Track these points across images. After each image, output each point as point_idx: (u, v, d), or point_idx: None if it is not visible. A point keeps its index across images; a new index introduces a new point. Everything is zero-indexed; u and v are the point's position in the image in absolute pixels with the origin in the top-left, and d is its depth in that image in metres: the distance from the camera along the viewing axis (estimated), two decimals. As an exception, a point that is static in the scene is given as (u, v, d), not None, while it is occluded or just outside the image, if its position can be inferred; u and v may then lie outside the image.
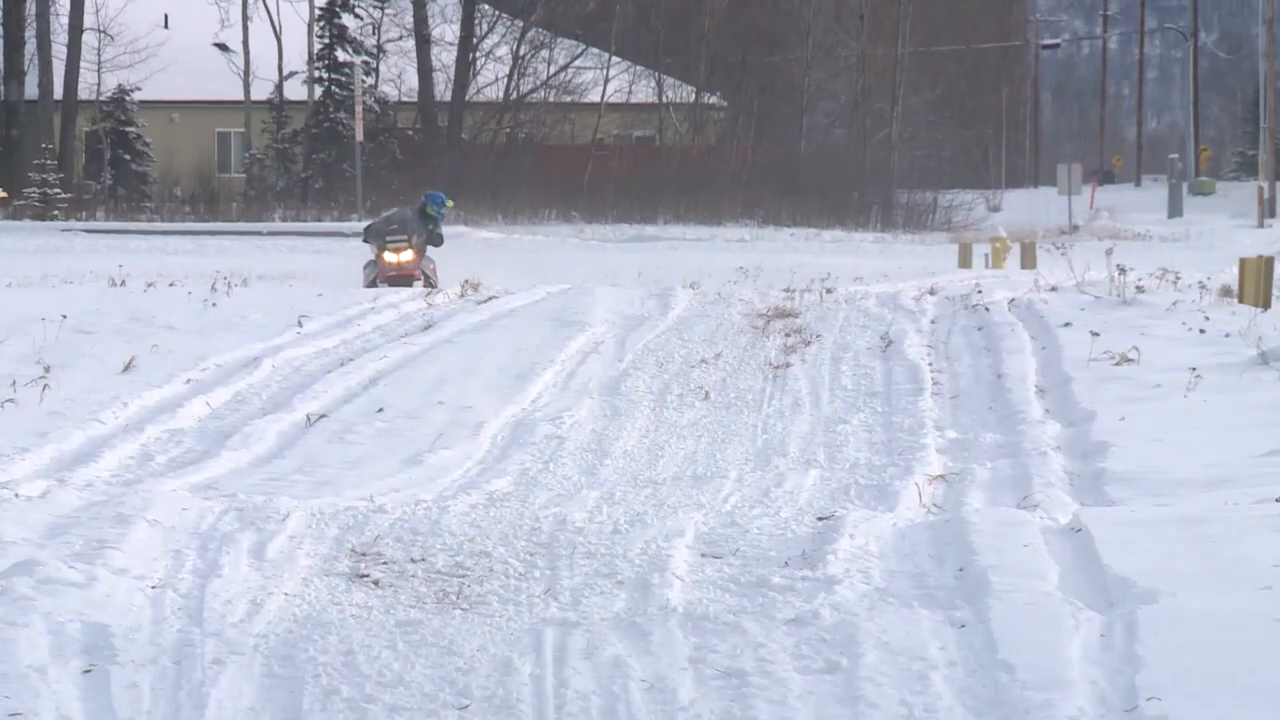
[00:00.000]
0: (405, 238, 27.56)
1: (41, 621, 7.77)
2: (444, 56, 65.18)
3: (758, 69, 69.78)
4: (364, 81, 60.69)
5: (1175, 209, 65.19)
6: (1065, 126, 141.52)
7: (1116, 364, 16.10)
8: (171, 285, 24.45)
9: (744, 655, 7.64)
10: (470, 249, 42.50)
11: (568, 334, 18.77)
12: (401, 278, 27.27)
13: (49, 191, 55.82)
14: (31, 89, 60.51)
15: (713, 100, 69.19)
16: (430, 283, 27.29)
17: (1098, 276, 22.56)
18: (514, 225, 55.82)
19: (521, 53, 65.88)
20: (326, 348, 17.97)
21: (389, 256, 27.34)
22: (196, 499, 10.52)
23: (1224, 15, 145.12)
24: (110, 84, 63.17)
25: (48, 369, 15.77)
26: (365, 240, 28.32)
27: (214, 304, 20.66)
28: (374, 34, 65.36)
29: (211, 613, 8.13)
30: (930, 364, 17.06)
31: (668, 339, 18.66)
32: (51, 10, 60.55)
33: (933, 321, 19.83)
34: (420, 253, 27.66)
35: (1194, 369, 15.25)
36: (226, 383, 15.86)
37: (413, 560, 9.15)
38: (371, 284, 27.68)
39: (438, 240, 27.98)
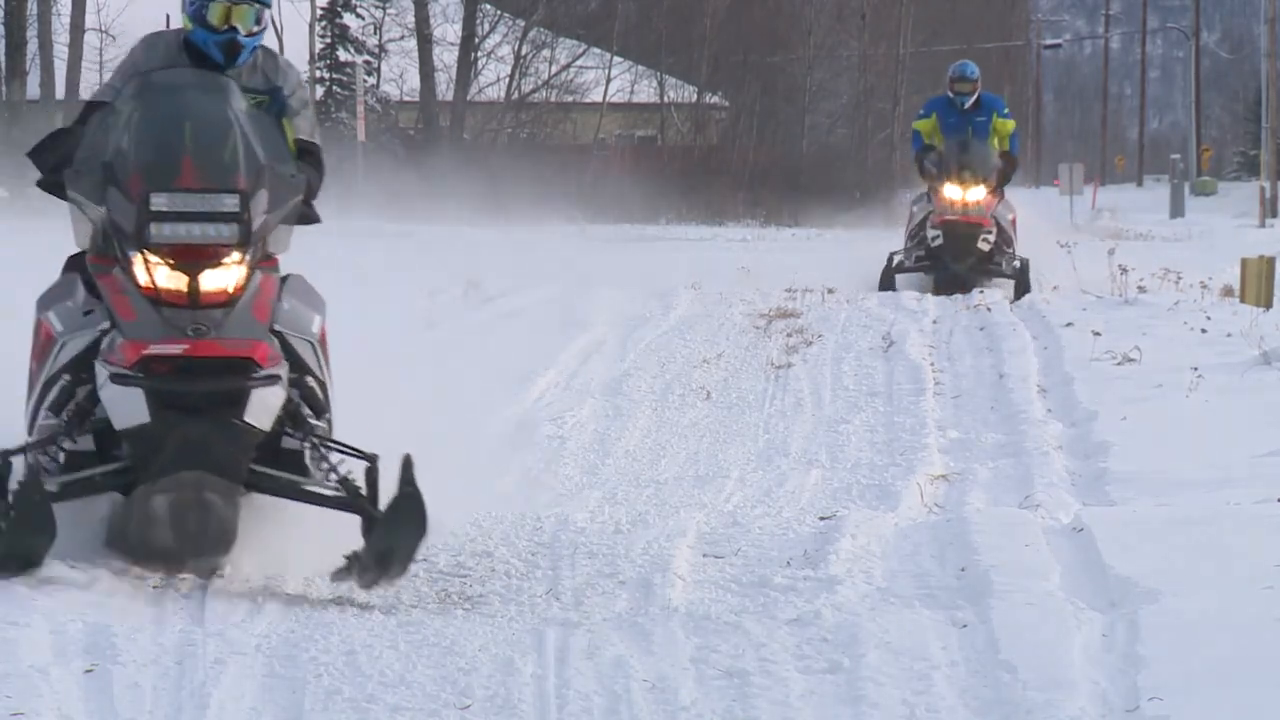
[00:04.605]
0: (236, 208, 8.08)
1: (43, 621, 7.76)
2: (446, 56, 65.17)
3: (759, 69, 69.72)
4: (365, 81, 60.71)
5: (1177, 209, 65.08)
6: (1067, 126, 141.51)
7: (1118, 364, 16.10)
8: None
9: (746, 655, 7.63)
10: (471, 248, 42.36)
11: (569, 334, 18.74)
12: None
13: (51, 191, 55.81)
14: (33, 89, 60.54)
15: (714, 100, 69.19)
16: (317, 409, 8.66)
17: (1099, 276, 22.55)
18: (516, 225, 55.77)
19: (523, 52, 65.85)
20: (328, 347, 17.91)
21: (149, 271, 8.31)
22: (198, 499, 10.48)
23: (1226, 15, 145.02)
24: (112, 84, 63.16)
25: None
26: (42, 185, 8.66)
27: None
28: (375, 34, 65.38)
29: (213, 612, 8.12)
30: (932, 364, 17.05)
31: (670, 339, 18.64)
32: (53, 10, 60.58)
33: (934, 321, 19.82)
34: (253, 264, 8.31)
35: (1196, 369, 15.24)
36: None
37: (414, 560, 9.14)
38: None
39: (312, 193, 8.54)
